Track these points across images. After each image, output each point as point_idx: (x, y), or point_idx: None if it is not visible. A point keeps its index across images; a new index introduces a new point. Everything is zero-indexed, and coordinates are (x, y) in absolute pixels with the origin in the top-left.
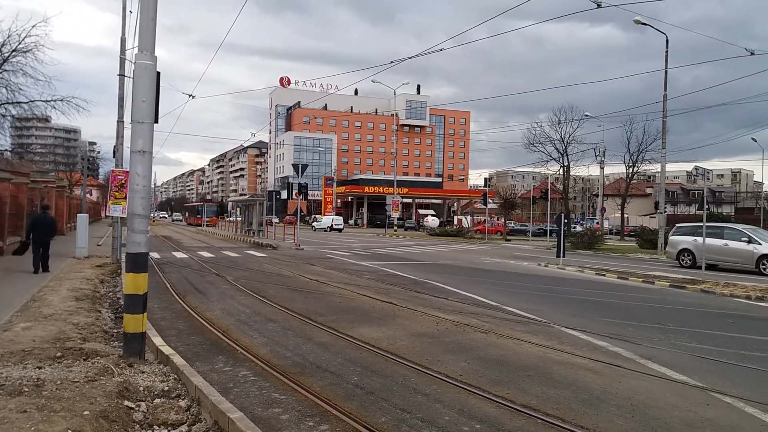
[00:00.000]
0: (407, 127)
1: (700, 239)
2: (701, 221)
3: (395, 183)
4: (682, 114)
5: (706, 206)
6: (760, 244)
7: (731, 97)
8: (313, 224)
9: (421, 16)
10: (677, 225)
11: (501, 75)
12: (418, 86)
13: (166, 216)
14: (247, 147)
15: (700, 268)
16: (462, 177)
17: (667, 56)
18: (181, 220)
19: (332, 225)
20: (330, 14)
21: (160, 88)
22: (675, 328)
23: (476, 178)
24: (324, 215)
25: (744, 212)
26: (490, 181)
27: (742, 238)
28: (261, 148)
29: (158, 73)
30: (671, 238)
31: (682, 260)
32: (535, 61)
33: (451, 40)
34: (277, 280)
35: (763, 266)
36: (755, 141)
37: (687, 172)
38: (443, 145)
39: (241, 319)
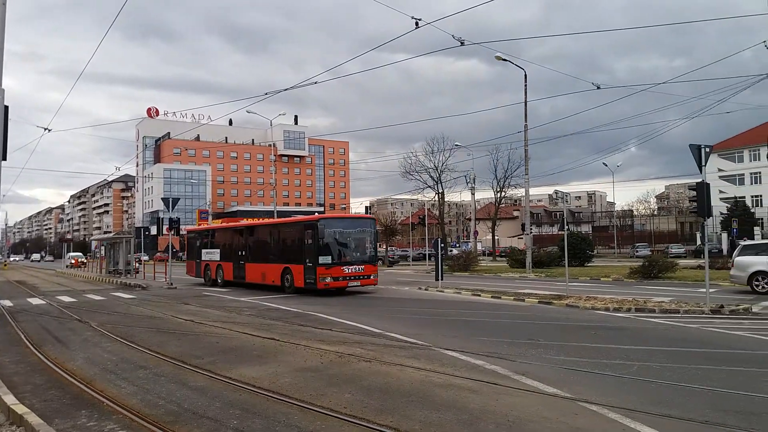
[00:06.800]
0: (286, 157)
1: None
2: (564, 240)
3: (275, 214)
4: (543, 142)
5: (567, 226)
6: None
7: (585, 126)
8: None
9: (295, 47)
10: (743, 243)
11: (377, 105)
12: (296, 116)
13: (74, 259)
14: (112, 181)
15: None
16: (344, 205)
17: (526, 90)
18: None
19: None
20: (200, 42)
21: (9, 121)
22: (545, 343)
23: (357, 206)
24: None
25: (600, 230)
26: (371, 208)
27: None
28: (127, 182)
29: (6, 107)
30: (738, 259)
31: (757, 285)
32: (408, 93)
33: (327, 72)
34: (148, 323)
35: None
36: (605, 165)
37: (549, 195)
38: (323, 174)
39: (107, 367)
